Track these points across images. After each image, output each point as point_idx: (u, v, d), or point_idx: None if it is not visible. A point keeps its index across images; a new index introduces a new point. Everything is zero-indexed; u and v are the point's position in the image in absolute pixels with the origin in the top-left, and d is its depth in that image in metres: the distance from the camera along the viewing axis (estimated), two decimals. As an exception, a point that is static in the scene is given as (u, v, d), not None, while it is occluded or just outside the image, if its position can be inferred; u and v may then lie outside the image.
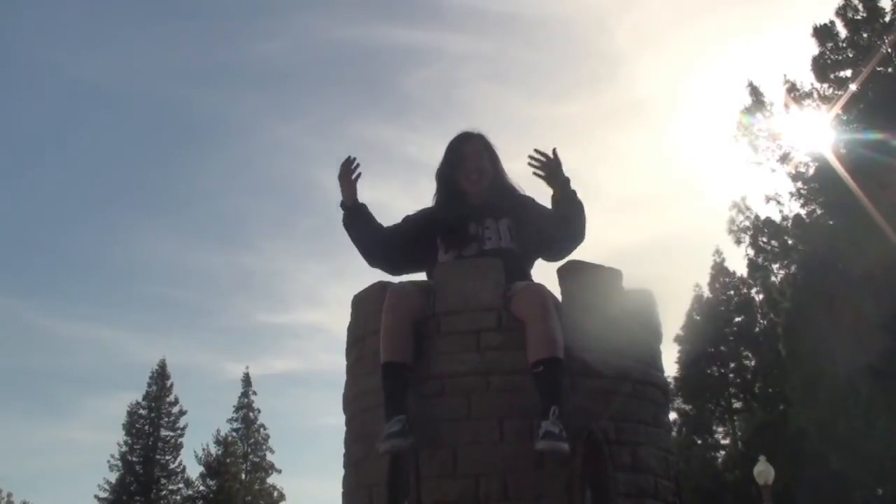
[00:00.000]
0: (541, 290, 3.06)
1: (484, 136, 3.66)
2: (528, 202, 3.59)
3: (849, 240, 17.28)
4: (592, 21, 57.92)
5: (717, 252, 31.48)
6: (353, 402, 3.37)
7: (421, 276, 3.54)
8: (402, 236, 3.55)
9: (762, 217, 22.86)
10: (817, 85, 20.98)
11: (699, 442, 29.49)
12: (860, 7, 20.37)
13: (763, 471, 18.27)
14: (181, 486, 35.35)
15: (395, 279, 3.50)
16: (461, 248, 3.44)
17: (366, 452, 3.15)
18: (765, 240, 23.05)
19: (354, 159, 3.45)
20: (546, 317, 2.94)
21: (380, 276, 3.52)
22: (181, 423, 35.90)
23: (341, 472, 3.42)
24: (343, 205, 3.50)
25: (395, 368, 2.99)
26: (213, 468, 35.20)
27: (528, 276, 3.45)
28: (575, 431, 2.82)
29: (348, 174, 3.46)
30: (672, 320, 29.15)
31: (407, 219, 3.64)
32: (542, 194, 3.54)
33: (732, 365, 30.35)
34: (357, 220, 3.51)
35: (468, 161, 3.57)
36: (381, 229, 3.55)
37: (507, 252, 3.37)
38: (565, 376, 2.93)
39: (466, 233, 3.45)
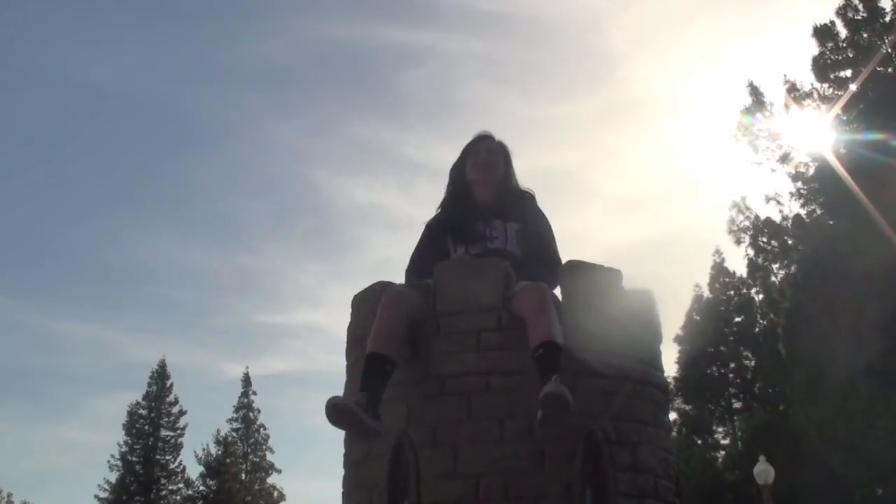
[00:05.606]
0: (541, 288, 3.07)
1: (504, 143, 3.76)
2: (535, 218, 3.63)
3: (849, 240, 17.25)
4: (589, 20, 57.83)
5: (717, 252, 31.42)
6: (353, 402, 3.36)
7: None
8: (431, 252, 3.58)
9: (762, 217, 22.89)
10: (817, 85, 21.01)
11: (699, 442, 29.42)
12: (860, 7, 20.38)
13: (763, 471, 18.26)
14: (181, 486, 35.31)
15: (395, 279, 3.51)
16: (468, 244, 3.50)
17: (366, 453, 3.15)
18: (765, 240, 23.06)
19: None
20: (545, 310, 2.95)
21: (379, 276, 3.54)
22: (181, 423, 35.87)
23: (341, 472, 3.42)
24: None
25: (376, 359, 2.97)
26: (213, 468, 35.17)
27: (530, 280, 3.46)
28: (575, 431, 2.82)
29: None
30: (672, 320, 29.13)
31: (429, 229, 3.69)
32: (546, 200, 3.56)
33: (732, 365, 30.30)
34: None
35: (480, 154, 3.67)
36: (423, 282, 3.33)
37: (512, 255, 3.41)
38: (565, 364, 2.89)
39: (475, 230, 3.51)
